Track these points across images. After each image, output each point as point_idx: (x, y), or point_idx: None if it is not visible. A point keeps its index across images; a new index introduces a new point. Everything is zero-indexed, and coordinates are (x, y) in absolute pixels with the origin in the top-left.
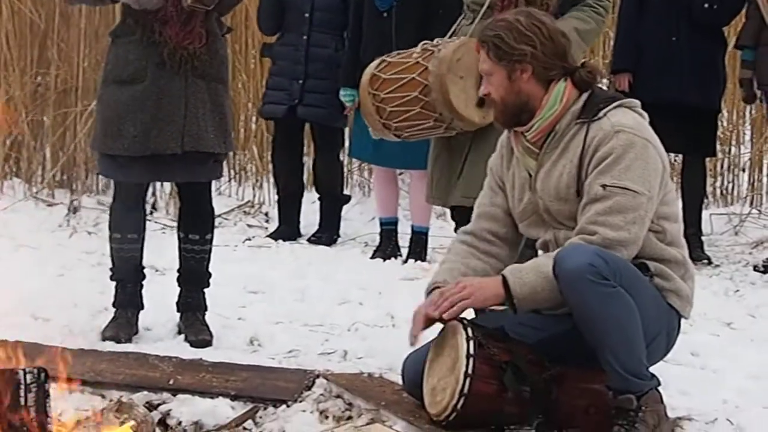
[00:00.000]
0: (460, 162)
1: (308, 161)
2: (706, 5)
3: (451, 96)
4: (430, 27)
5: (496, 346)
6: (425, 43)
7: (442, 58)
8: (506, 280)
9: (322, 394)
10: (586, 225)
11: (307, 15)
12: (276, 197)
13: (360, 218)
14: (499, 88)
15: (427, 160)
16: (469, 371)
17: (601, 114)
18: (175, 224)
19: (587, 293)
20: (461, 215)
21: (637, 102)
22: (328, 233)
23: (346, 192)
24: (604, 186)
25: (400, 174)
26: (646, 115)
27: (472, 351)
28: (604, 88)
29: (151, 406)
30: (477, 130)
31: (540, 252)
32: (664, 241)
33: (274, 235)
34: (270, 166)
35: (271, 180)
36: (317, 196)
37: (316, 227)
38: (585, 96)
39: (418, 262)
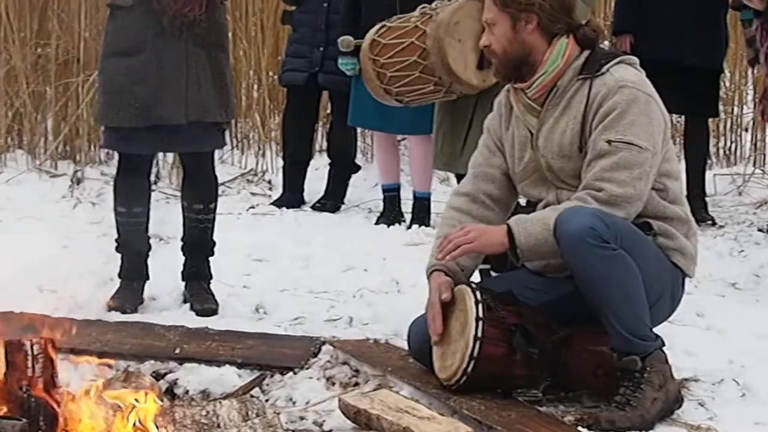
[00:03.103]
0: (464, 128)
1: (319, 129)
2: None
3: (449, 59)
4: None
5: (504, 309)
6: (423, 7)
7: (440, 21)
8: (511, 229)
9: (328, 361)
10: (592, 181)
11: None
12: (281, 164)
13: (363, 185)
14: (501, 38)
15: (431, 125)
16: (479, 334)
17: (603, 69)
18: (178, 193)
19: (588, 256)
20: None
21: (636, 59)
22: (333, 200)
23: None
24: (609, 141)
25: (402, 140)
26: (643, 72)
27: (481, 314)
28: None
29: (158, 376)
30: (479, 95)
31: None
32: (667, 199)
33: (278, 203)
34: (273, 134)
35: (274, 147)
36: (323, 162)
37: (319, 195)
38: (586, 53)
39: (422, 227)
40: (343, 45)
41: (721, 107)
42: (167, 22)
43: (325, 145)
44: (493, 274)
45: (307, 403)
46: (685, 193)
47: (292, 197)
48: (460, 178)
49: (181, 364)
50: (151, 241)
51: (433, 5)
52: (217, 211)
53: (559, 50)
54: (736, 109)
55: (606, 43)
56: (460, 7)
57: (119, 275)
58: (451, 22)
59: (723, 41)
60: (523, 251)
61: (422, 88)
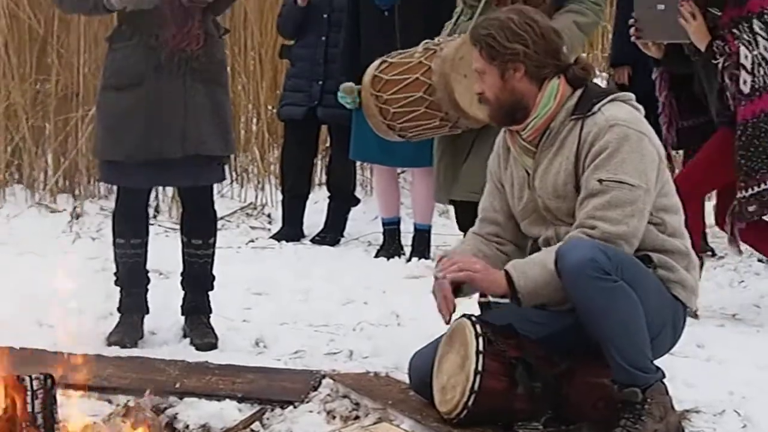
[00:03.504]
0: (462, 159)
1: (318, 162)
2: None
3: (456, 95)
4: (437, 25)
5: (505, 342)
6: (427, 42)
7: (444, 56)
8: (509, 275)
9: (328, 395)
10: (585, 220)
11: (326, 16)
12: (280, 198)
13: (363, 218)
14: (492, 87)
15: (432, 158)
16: (479, 368)
17: (595, 109)
18: (178, 227)
19: (589, 289)
20: (463, 212)
21: (632, 95)
22: (332, 233)
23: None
24: (600, 180)
25: (402, 173)
26: (641, 108)
27: (481, 348)
28: (604, 82)
29: (158, 410)
30: (481, 128)
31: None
32: (665, 233)
33: (278, 236)
34: (272, 167)
35: (273, 181)
36: (322, 196)
37: (318, 228)
38: (579, 92)
39: (422, 260)
40: (346, 92)
41: None
42: (165, 57)
43: (324, 178)
44: (493, 299)
45: None
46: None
47: (291, 231)
48: (457, 206)
49: (181, 399)
50: (151, 275)
51: (437, 40)
52: (217, 245)
53: (550, 93)
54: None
55: (604, 75)
56: (464, 42)
57: (119, 310)
58: (456, 57)
59: None
60: (523, 295)
61: (427, 123)
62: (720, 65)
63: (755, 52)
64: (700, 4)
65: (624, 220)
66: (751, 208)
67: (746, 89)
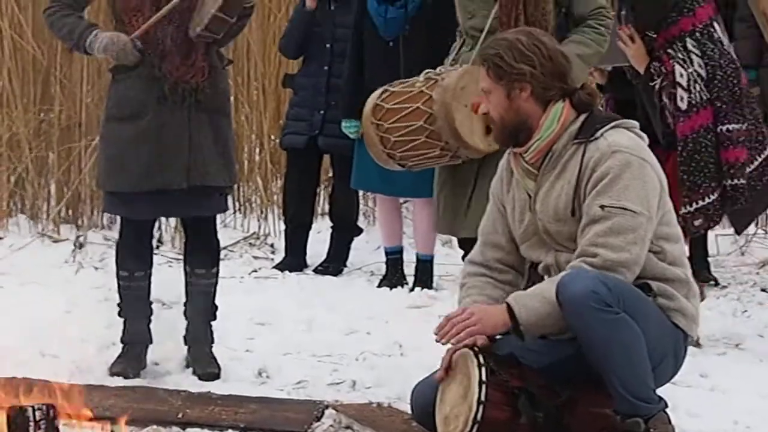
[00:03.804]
0: (466, 192)
1: (320, 192)
2: None
3: (456, 124)
4: (441, 56)
5: (507, 372)
6: (428, 72)
7: (446, 86)
8: (511, 307)
9: (331, 425)
10: (587, 247)
11: (328, 46)
12: (283, 228)
13: (366, 247)
14: (497, 107)
15: (432, 189)
16: (482, 398)
17: (598, 134)
18: (181, 257)
19: (591, 320)
20: (470, 245)
21: (635, 123)
22: (335, 263)
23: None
24: (602, 207)
25: (404, 202)
26: (645, 136)
27: (484, 378)
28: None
29: None
30: (483, 159)
31: (544, 277)
32: (666, 261)
33: (281, 266)
34: (275, 198)
35: (276, 211)
36: (325, 226)
37: (321, 258)
38: (583, 117)
39: (425, 290)
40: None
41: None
42: (169, 89)
43: (326, 208)
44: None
45: None
46: (687, 254)
47: (294, 261)
48: (463, 241)
49: (184, 429)
50: (154, 305)
51: (438, 70)
52: (220, 275)
53: (554, 115)
54: None
55: None
56: (466, 72)
57: (121, 340)
58: (458, 87)
59: None
60: (525, 327)
61: (427, 152)
62: (657, 86)
63: (690, 70)
64: (638, 28)
65: (626, 247)
66: (697, 222)
67: (683, 105)
